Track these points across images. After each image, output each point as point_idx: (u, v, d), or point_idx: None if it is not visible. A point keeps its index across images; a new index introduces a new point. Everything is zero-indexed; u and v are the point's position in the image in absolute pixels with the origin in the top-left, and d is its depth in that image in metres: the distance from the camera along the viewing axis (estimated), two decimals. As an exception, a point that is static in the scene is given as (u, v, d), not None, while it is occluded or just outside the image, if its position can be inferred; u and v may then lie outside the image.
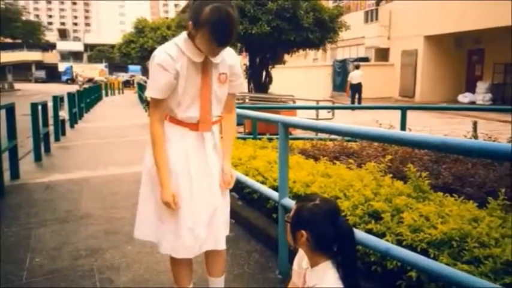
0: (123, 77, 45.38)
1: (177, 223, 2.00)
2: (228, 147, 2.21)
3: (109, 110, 17.91)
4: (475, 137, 4.73)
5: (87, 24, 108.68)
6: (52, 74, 63.63)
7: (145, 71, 44.46)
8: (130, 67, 47.36)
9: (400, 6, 21.17)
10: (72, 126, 11.00)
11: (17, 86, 41.05)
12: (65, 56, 73.44)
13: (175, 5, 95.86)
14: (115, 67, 57.89)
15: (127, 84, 40.89)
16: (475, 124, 5.02)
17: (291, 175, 3.19)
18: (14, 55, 63.25)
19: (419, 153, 3.99)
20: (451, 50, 19.82)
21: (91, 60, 69.07)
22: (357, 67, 18.16)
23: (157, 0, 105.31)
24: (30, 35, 41.82)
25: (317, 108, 10.67)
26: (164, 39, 29.81)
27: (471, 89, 18.84)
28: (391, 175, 3.21)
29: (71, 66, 61.43)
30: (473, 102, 17.80)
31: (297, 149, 4.81)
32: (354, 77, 17.65)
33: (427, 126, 7.89)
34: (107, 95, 28.20)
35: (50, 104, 8.08)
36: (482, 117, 9.86)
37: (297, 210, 1.59)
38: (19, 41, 48.01)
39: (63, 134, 9.39)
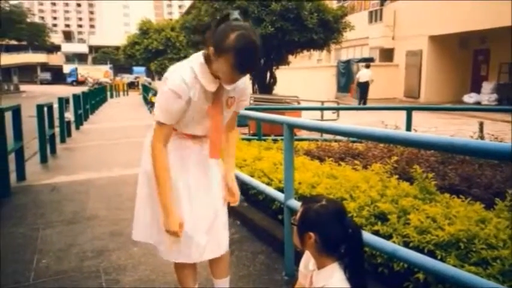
0: (127, 78, 45.59)
1: None
2: (231, 165, 2.17)
3: (114, 111, 17.98)
4: (482, 137, 4.71)
5: (92, 26, 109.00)
6: (57, 76, 63.97)
7: (149, 73, 44.65)
8: (135, 68, 47.52)
9: (405, 6, 21.09)
10: (77, 127, 11.05)
11: (22, 87, 41.37)
12: (70, 57, 73.83)
13: (180, 6, 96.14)
14: (119, 68, 58.07)
15: (131, 85, 41.08)
16: (481, 125, 4.99)
17: (297, 176, 3.18)
18: (19, 57, 63.67)
19: (426, 154, 3.98)
20: (456, 50, 19.72)
21: (96, 62, 69.30)
22: (367, 66, 18.21)
23: (161, 0, 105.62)
24: (35, 37, 42.03)
25: (322, 109, 10.65)
26: (168, 40, 29.98)
27: (476, 89, 18.73)
28: (397, 176, 3.19)
29: (76, 68, 61.76)
30: (478, 103, 17.69)
31: (302, 150, 4.80)
32: (362, 75, 17.69)
33: (432, 127, 7.86)
34: (111, 96, 28.35)
35: (56, 106, 8.12)
36: (487, 117, 9.79)
37: (304, 212, 1.58)
38: (24, 43, 48.19)
39: (69, 135, 9.45)
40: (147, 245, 3.18)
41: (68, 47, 76.87)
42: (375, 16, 23.61)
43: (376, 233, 2.38)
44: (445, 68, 19.62)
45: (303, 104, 11.69)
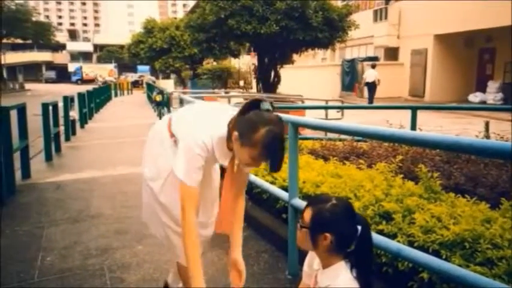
0: (132, 77, 45.71)
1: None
2: (239, 240, 2.03)
3: (118, 110, 18.03)
4: (487, 137, 4.68)
5: (97, 25, 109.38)
6: (62, 75, 64.16)
7: (154, 71, 44.74)
8: (139, 67, 47.67)
9: (410, 4, 21.00)
10: (82, 126, 11.09)
11: (27, 86, 41.54)
12: (75, 56, 74.07)
13: (184, 5, 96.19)
14: (124, 67, 58.23)
15: (136, 84, 41.19)
16: (487, 124, 4.96)
17: (301, 175, 3.18)
18: (24, 56, 64.00)
19: (431, 153, 3.96)
20: (462, 49, 19.62)
21: (100, 60, 69.55)
22: (373, 66, 18.19)
23: (165, 0, 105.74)
24: (41, 35, 42.22)
25: (326, 108, 10.61)
26: (173, 39, 29.98)
27: (482, 88, 18.63)
28: (402, 175, 3.18)
29: (81, 67, 61.99)
30: (484, 102, 17.60)
31: (306, 149, 4.79)
32: (369, 75, 17.70)
33: (437, 126, 7.82)
34: (116, 95, 28.41)
35: (61, 104, 8.15)
36: (493, 117, 9.72)
37: (316, 213, 1.53)
38: (29, 41, 48.49)
39: (74, 133, 9.48)
40: (152, 243, 3.21)
41: (73, 46, 77.24)
42: (379, 15, 23.51)
43: (380, 232, 2.37)
44: (450, 67, 19.52)
45: (307, 103, 11.65)
